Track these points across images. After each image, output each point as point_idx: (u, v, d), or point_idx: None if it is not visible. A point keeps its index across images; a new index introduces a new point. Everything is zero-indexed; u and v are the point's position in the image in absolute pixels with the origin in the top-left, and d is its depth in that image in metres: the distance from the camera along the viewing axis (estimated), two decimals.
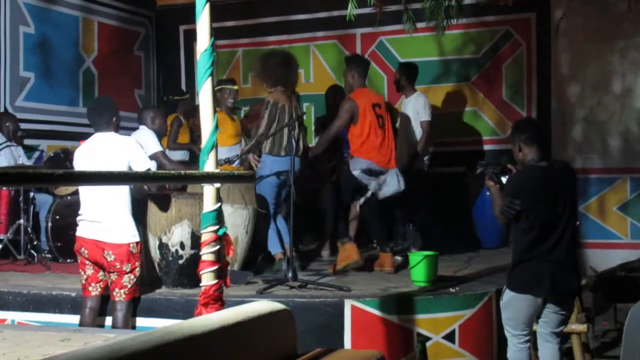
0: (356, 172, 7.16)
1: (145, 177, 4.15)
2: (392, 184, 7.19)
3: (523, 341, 5.08)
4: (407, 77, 8.42)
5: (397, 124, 8.40)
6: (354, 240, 7.29)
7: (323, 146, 7.62)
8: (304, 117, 8.05)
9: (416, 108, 8.28)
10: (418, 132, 8.28)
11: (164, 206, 6.36)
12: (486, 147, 9.87)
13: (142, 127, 7.46)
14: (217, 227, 3.63)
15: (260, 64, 7.36)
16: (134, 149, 5.92)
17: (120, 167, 5.69)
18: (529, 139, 5.07)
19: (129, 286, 5.83)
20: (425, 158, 8.38)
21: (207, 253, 3.62)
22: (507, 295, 5.06)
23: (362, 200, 7.28)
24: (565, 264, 5.02)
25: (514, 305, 5.03)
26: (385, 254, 7.23)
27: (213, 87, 3.69)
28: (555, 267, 4.97)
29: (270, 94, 7.21)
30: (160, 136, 7.59)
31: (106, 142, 5.87)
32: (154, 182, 5.64)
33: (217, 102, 7.55)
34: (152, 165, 6.13)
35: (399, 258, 7.56)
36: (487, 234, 9.10)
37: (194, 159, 8.80)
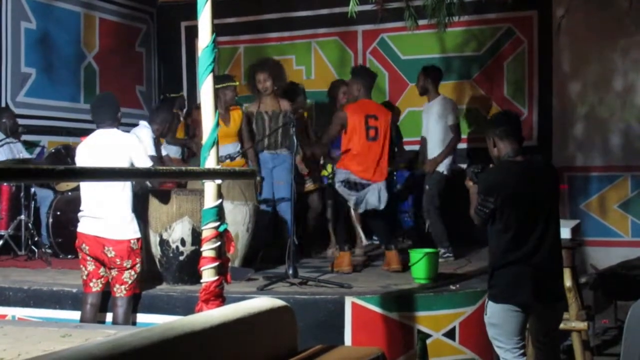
0: (337, 185, 7.16)
1: (146, 173, 4.16)
2: (371, 199, 7.04)
3: (519, 354, 4.69)
4: (432, 80, 8.19)
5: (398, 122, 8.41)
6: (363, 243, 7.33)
7: (321, 151, 7.74)
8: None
9: (442, 111, 8.10)
10: (439, 135, 8.12)
11: (164, 202, 6.37)
12: (484, 145, 9.86)
13: (143, 125, 7.43)
14: (218, 223, 3.64)
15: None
16: (136, 145, 5.93)
17: (122, 163, 5.69)
18: (503, 133, 4.77)
19: (130, 282, 5.84)
20: (446, 166, 8.20)
21: (208, 249, 3.62)
22: (490, 308, 4.70)
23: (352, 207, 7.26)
24: (547, 268, 4.67)
25: (499, 318, 4.67)
26: (391, 252, 7.14)
27: (214, 84, 3.69)
28: (536, 271, 4.61)
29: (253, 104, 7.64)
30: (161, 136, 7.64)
31: (108, 138, 5.87)
32: (155, 178, 5.64)
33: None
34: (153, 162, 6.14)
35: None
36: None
37: (188, 155, 8.78)
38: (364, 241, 7.36)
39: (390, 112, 7.54)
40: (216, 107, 3.71)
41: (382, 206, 7.07)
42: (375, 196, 7.04)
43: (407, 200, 9.06)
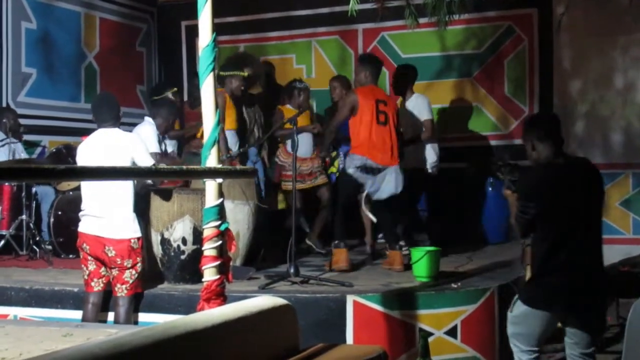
0: (351, 170, 7.05)
1: (147, 172, 4.15)
2: (389, 183, 7.00)
3: (532, 358, 4.64)
4: (407, 78, 8.26)
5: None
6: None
7: (328, 139, 7.64)
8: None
9: (418, 109, 8.18)
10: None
11: (166, 201, 6.37)
12: (488, 142, 9.86)
13: (147, 121, 7.41)
14: (219, 222, 3.63)
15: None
16: (137, 144, 5.94)
17: (123, 162, 5.70)
18: (542, 134, 4.58)
19: (131, 282, 5.84)
20: (432, 164, 8.23)
21: (209, 248, 3.62)
22: (519, 308, 4.60)
23: (362, 204, 7.25)
24: (588, 277, 4.49)
25: (526, 321, 4.57)
26: (394, 251, 7.12)
27: (215, 83, 3.68)
28: (577, 281, 4.46)
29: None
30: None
31: (109, 137, 5.87)
32: (155, 177, 5.64)
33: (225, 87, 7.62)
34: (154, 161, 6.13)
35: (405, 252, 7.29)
36: (490, 230, 9.10)
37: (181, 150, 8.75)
38: (342, 245, 7.22)
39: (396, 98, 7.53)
40: (217, 106, 3.70)
41: (399, 189, 7.01)
42: (393, 179, 7.00)
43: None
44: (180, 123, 9.02)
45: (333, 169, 8.38)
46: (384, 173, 7.02)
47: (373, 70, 7.33)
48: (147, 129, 7.27)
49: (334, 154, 8.37)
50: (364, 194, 7.14)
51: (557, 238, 4.47)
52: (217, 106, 3.69)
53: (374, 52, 10.27)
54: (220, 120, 7.27)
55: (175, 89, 9.07)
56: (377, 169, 7.02)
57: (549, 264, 4.49)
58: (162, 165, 6.44)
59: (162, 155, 7.35)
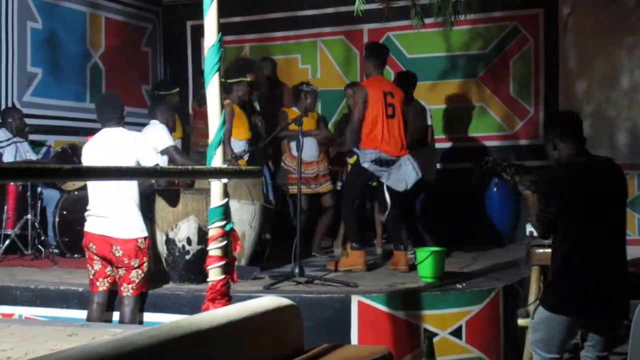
0: (367, 164, 7.03)
1: (152, 172, 4.16)
2: (409, 172, 6.99)
3: None
4: (406, 85, 8.10)
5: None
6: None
7: (351, 139, 7.50)
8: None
9: (416, 115, 8.17)
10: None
11: (171, 201, 6.37)
12: (493, 143, 9.85)
13: (154, 122, 7.43)
14: (224, 222, 3.64)
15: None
16: (142, 144, 5.94)
17: (128, 162, 5.70)
18: (564, 133, 4.50)
19: (137, 281, 5.84)
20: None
21: (214, 248, 3.62)
22: (540, 314, 4.49)
23: (384, 214, 7.22)
24: (611, 280, 4.39)
25: (548, 326, 4.46)
26: (400, 252, 7.12)
27: (220, 83, 3.68)
28: (599, 284, 4.36)
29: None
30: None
31: (114, 137, 5.88)
32: (161, 177, 5.64)
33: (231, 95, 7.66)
34: (160, 160, 6.13)
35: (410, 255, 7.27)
36: (495, 230, 9.10)
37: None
38: (359, 247, 7.22)
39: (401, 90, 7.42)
40: (222, 107, 3.70)
41: (420, 175, 7.02)
42: (410, 167, 7.00)
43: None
44: (182, 122, 9.04)
45: (351, 161, 8.28)
46: (398, 163, 7.01)
47: (377, 61, 7.28)
48: (157, 127, 7.26)
49: (353, 158, 8.29)
50: (385, 181, 7.05)
51: (578, 238, 4.39)
52: (222, 108, 3.69)
53: None
54: (228, 131, 7.37)
55: (178, 89, 9.08)
56: (391, 160, 7.02)
57: (569, 265, 4.40)
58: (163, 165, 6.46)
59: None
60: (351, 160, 8.25)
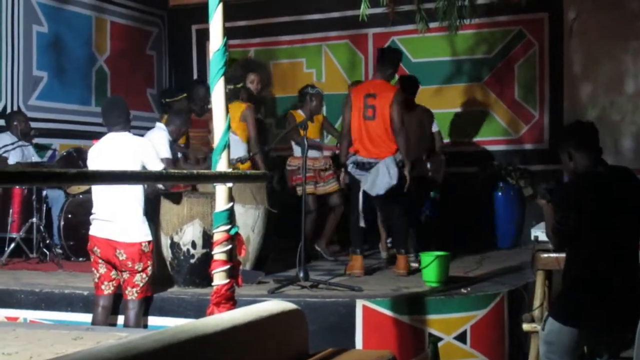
0: (349, 168, 7.02)
1: (158, 176, 4.16)
2: (383, 176, 6.79)
3: None
4: (408, 91, 8.07)
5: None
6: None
7: (343, 145, 7.35)
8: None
9: (422, 120, 8.21)
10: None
11: (175, 205, 6.38)
12: (498, 147, 9.84)
13: (160, 127, 7.42)
14: (229, 226, 3.63)
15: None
16: (148, 148, 5.94)
17: (134, 166, 5.70)
18: (579, 143, 4.43)
19: (141, 285, 5.85)
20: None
21: (219, 252, 3.62)
22: (550, 325, 4.38)
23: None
24: (624, 293, 4.29)
25: (558, 338, 4.35)
26: (400, 255, 7.10)
27: (226, 87, 3.68)
28: (612, 297, 4.26)
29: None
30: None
31: (120, 141, 5.89)
32: (166, 181, 5.65)
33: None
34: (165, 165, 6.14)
35: (414, 265, 7.19)
36: (500, 235, 9.09)
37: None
38: (357, 252, 7.21)
39: (395, 89, 7.21)
40: (227, 111, 3.70)
41: (394, 181, 6.79)
42: (385, 171, 6.81)
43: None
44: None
45: None
46: (376, 168, 6.85)
47: (378, 65, 7.26)
48: (159, 134, 7.25)
49: None
50: (362, 187, 6.91)
51: (593, 251, 4.30)
52: (227, 112, 3.69)
53: None
54: (254, 138, 7.35)
55: (186, 94, 9.08)
56: (368, 163, 6.90)
57: (583, 278, 4.31)
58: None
59: (174, 162, 7.36)
60: None
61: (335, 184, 8.19)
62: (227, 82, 3.70)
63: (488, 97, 9.92)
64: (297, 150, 8.25)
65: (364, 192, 6.92)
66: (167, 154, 7.08)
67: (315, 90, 8.29)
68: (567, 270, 4.44)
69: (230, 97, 6.25)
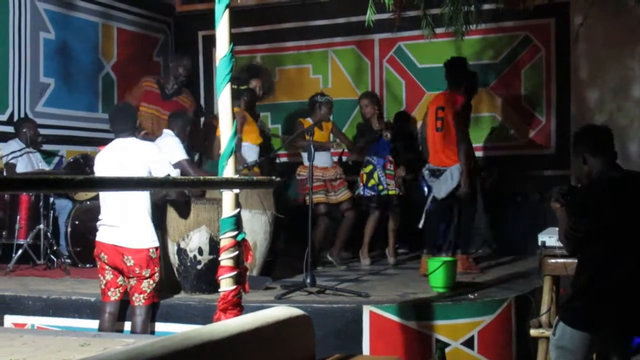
0: (425, 176, 7.62)
1: (164, 182, 4.16)
2: (445, 181, 7.33)
3: None
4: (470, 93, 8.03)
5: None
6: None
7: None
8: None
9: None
10: None
11: (182, 212, 6.38)
12: (505, 152, 9.82)
13: (167, 133, 7.40)
14: (236, 232, 3.64)
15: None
16: (155, 154, 5.95)
17: (141, 172, 5.71)
18: (593, 148, 4.34)
19: (148, 291, 5.85)
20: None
21: (225, 258, 3.62)
22: (561, 330, 4.32)
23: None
24: (637, 298, 4.21)
25: (570, 343, 4.28)
26: (461, 255, 7.37)
27: (232, 93, 3.69)
28: (624, 301, 4.19)
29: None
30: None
31: (126, 147, 5.90)
32: (173, 188, 5.65)
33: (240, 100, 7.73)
34: (173, 171, 6.12)
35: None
36: (506, 240, 9.07)
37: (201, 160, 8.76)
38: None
39: (457, 100, 7.55)
40: (234, 117, 3.71)
41: (454, 185, 7.31)
42: (448, 177, 7.32)
43: None
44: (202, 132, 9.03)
45: (373, 182, 8.29)
46: (445, 174, 7.36)
47: (446, 77, 7.66)
48: (170, 140, 7.17)
49: (369, 167, 8.30)
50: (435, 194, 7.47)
51: (606, 256, 4.23)
52: (234, 119, 3.70)
53: (391, 62, 10.28)
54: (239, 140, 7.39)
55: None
56: (438, 170, 7.43)
57: (595, 284, 4.23)
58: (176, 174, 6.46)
59: (192, 162, 7.35)
60: (366, 170, 8.26)
61: (347, 192, 8.19)
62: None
63: (494, 103, 9.92)
64: (306, 159, 8.25)
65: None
66: (183, 155, 7.02)
67: (324, 99, 8.28)
68: (579, 274, 4.37)
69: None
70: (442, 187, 7.35)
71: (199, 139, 8.73)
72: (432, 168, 7.48)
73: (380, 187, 8.17)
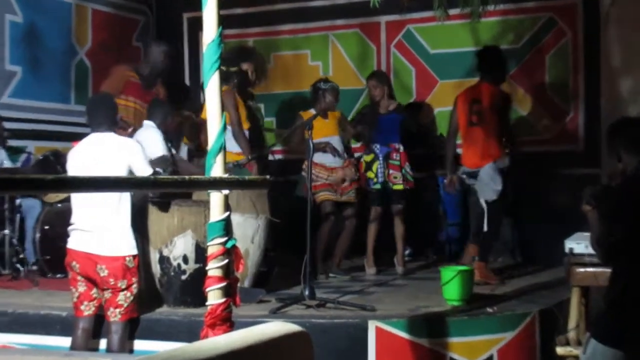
0: (466, 180, 7.70)
1: (146, 183, 4.15)
2: (486, 183, 7.40)
3: None
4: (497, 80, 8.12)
5: None
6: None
7: (449, 150, 8.02)
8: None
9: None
10: None
11: (165, 215, 6.37)
12: (527, 149, 9.81)
13: (149, 125, 7.37)
14: (225, 238, 3.63)
15: None
16: (136, 151, 5.93)
17: (120, 171, 5.70)
18: (629, 144, 4.34)
19: (125, 305, 5.83)
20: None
21: (213, 268, 3.61)
22: (593, 347, 4.30)
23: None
24: None
25: None
26: (478, 263, 7.42)
27: (221, 82, 3.67)
28: None
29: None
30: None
31: (104, 143, 5.88)
32: (155, 189, 5.64)
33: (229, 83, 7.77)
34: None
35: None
36: (530, 246, 9.08)
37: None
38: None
39: (496, 92, 7.74)
40: (223, 108, 3.69)
41: (499, 187, 7.39)
42: (488, 179, 7.41)
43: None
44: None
45: (370, 174, 8.29)
46: (480, 177, 7.45)
47: (480, 64, 7.80)
48: (150, 132, 7.16)
49: (370, 157, 8.29)
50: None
51: None
52: (223, 108, 3.68)
53: (399, 47, 10.28)
54: (235, 122, 7.44)
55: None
56: (473, 173, 7.53)
57: (631, 295, 4.24)
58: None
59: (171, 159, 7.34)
60: (367, 159, 8.25)
61: (351, 195, 8.18)
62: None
63: (515, 92, 9.90)
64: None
65: None
66: (163, 151, 7.03)
67: (328, 85, 8.27)
68: (613, 284, 4.37)
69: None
70: (484, 189, 7.42)
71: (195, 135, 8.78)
72: (467, 171, 7.60)
73: (375, 180, 8.14)
